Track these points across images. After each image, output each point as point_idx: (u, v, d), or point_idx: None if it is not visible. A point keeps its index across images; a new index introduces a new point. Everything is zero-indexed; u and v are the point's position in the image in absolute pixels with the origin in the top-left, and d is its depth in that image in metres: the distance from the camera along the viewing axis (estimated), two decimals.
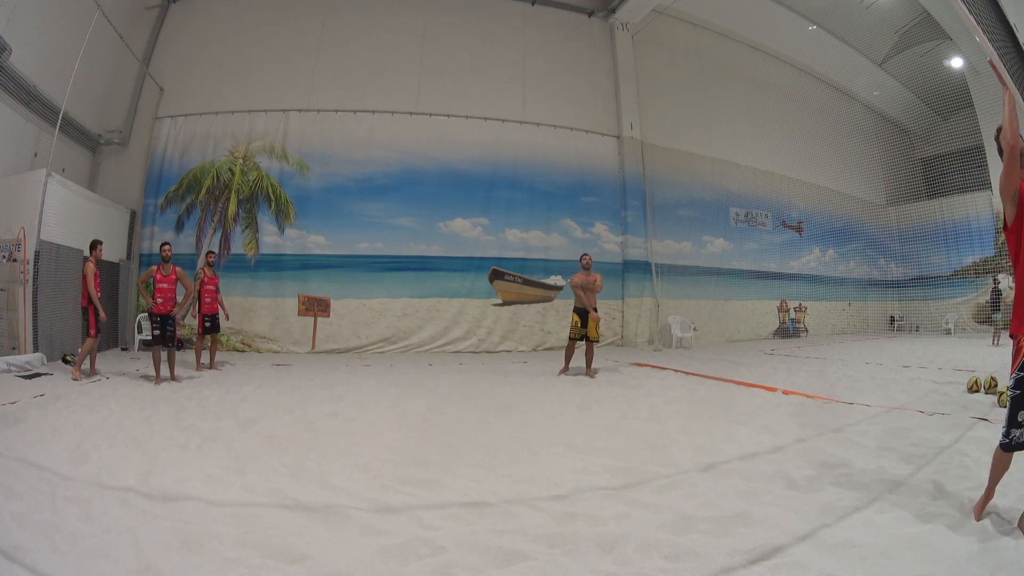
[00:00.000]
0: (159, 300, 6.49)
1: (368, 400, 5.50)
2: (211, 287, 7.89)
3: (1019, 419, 2.24)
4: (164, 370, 6.50)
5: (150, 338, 6.59)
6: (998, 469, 2.35)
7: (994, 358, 8.64)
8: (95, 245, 7.04)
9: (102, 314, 6.78)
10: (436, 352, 10.97)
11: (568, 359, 7.39)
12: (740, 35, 15.39)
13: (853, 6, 14.51)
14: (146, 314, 6.93)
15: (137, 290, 9.52)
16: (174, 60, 11.40)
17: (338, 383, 6.61)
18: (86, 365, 6.87)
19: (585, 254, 7.53)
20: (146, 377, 6.61)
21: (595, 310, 7.26)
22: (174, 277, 6.59)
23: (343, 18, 11.96)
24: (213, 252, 8.54)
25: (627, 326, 12.49)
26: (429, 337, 11.18)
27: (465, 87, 12.13)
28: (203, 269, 7.97)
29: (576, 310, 7.33)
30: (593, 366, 7.43)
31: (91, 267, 6.85)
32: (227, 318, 8.41)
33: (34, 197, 7.80)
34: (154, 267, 6.60)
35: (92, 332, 6.73)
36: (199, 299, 7.82)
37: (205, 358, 7.88)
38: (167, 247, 6.75)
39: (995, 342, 11.27)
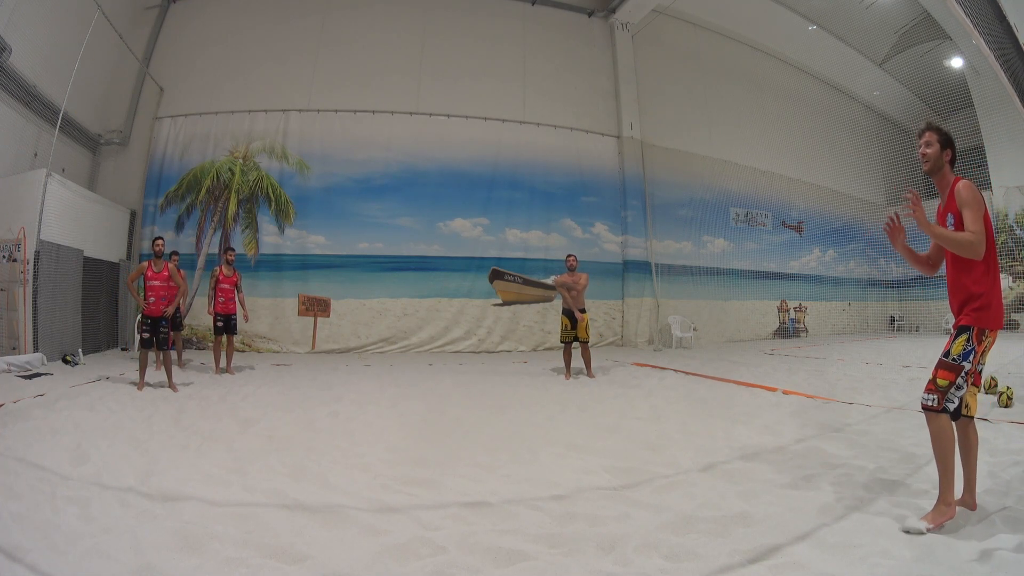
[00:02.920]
0: (151, 299, 6.03)
1: (368, 400, 5.50)
2: (227, 286, 7.45)
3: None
4: (154, 376, 6.35)
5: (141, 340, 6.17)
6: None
7: (994, 358, 8.62)
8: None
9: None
10: (436, 352, 10.97)
11: (568, 363, 7.31)
12: (740, 35, 15.38)
13: (853, 6, 14.50)
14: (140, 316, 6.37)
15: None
16: (174, 60, 11.40)
17: (338, 383, 6.61)
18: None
19: (571, 255, 7.43)
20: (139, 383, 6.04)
21: (583, 311, 7.17)
22: (166, 274, 6.16)
23: (343, 18, 11.96)
24: (233, 250, 7.94)
25: (627, 326, 12.49)
26: (429, 337, 11.18)
27: (465, 87, 12.12)
28: (219, 267, 7.54)
29: (565, 312, 7.26)
30: (593, 366, 7.40)
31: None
32: (246, 320, 8.10)
33: (34, 197, 7.81)
34: (145, 263, 6.18)
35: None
36: (213, 297, 7.55)
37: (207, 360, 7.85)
38: (160, 241, 6.30)
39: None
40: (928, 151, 2.48)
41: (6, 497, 2.58)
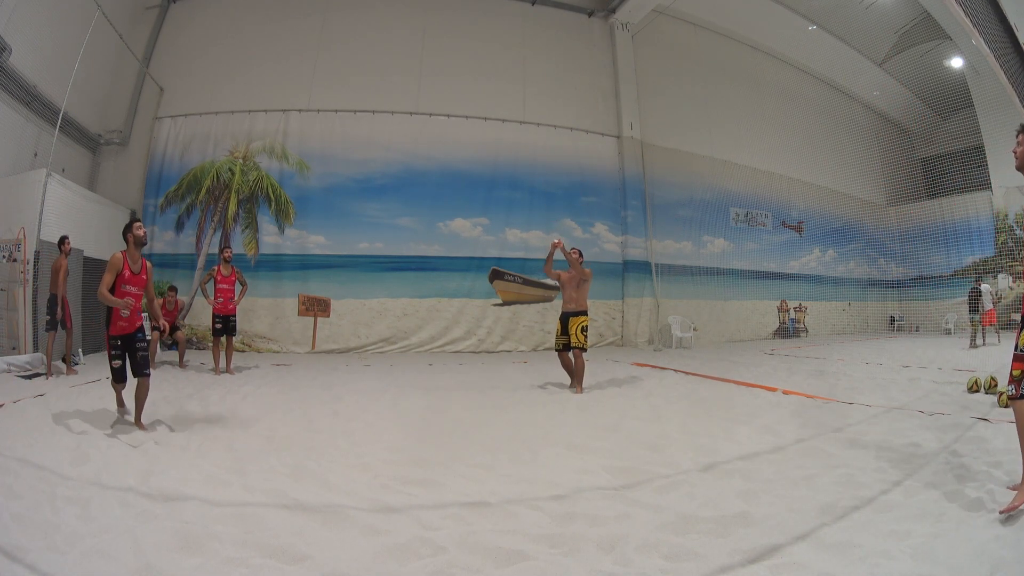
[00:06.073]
0: (124, 312, 4.13)
1: (368, 400, 5.50)
2: (225, 286, 7.26)
3: None
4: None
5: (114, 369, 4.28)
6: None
7: (994, 358, 8.63)
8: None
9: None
10: (436, 352, 10.97)
11: (569, 370, 6.27)
12: (740, 35, 15.40)
13: (853, 6, 14.52)
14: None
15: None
16: (174, 60, 11.40)
17: (338, 383, 6.61)
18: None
19: (574, 248, 6.41)
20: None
21: (577, 314, 6.08)
22: (144, 277, 4.30)
23: (343, 18, 11.96)
24: (230, 249, 7.73)
25: (627, 326, 12.49)
26: (429, 337, 11.18)
27: (465, 87, 12.13)
28: (217, 267, 7.32)
29: (560, 316, 6.24)
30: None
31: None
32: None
33: (34, 197, 7.80)
34: (119, 256, 4.15)
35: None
36: (205, 288, 7.44)
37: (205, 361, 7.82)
38: (138, 225, 4.30)
39: (973, 343, 11.19)
40: (1017, 150, 2.64)
41: (6, 497, 2.58)
